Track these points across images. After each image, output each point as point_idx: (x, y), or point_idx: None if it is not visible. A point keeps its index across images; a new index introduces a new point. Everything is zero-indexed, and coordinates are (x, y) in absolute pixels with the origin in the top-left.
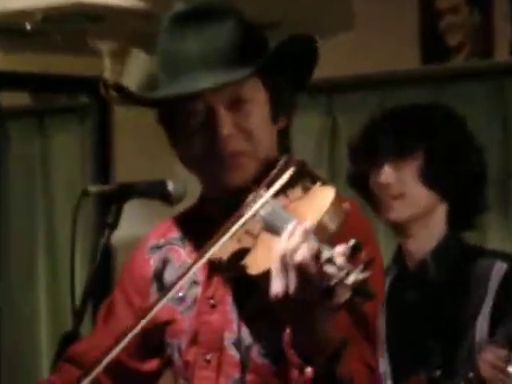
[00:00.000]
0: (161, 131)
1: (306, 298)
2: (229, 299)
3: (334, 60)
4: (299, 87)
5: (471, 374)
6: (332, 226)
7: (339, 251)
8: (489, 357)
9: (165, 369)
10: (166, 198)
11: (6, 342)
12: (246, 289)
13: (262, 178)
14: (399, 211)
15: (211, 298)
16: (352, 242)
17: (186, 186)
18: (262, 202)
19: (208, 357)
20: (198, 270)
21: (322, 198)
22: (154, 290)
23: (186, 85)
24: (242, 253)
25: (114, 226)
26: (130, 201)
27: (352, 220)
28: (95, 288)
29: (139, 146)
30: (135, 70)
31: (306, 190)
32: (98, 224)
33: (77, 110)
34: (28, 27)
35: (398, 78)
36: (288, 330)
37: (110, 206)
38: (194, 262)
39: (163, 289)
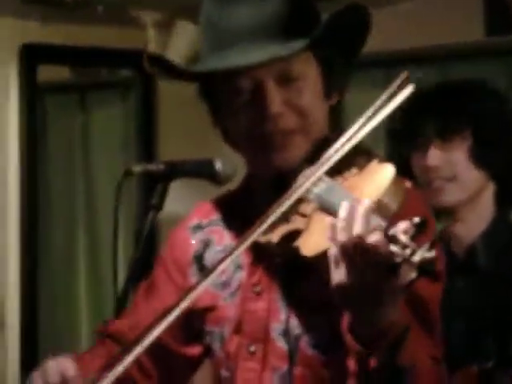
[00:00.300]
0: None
1: (370, 281)
2: (276, 286)
3: (393, 32)
4: (351, 57)
5: None
6: (393, 204)
7: (402, 228)
8: None
9: (206, 357)
10: (214, 177)
11: (46, 329)
12: (296, 274)
13: (314, 158)
14: (451, 194)
15: (257, 285)
16: (416, 219)
17: (235, 165)
18: (314, 179)
19: (252, 348)
20: (243, 254)
21: (380, 176)
22: (193, 271)
23: (233, 58)
24: (294, 235)
25: (159, 207)
26: (176, 181)
27: (412, 198)
28: (139, 274)
29: (185, 123)
30: (181, 42)
31: (361, 168)
32: (142, 205)
33: (119, 84)
34: None
35: (461, 52)
36: (347, 317)
37: (154, 186)
38: (240, 243)
39: (203, 270)
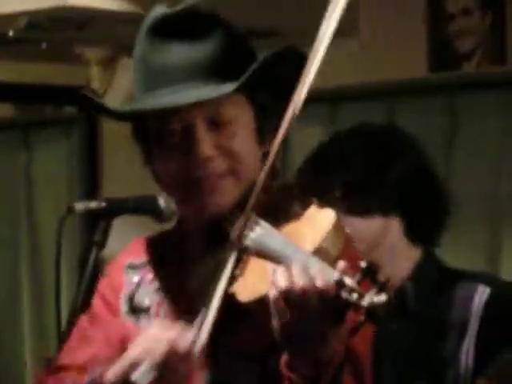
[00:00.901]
0: None
1: (314, 323)
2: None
3: (337, 68)
4: (285, 100)
5: None
6: (335, 249)
7: (346, 271)
8: None
9: None
10: (158, 214)
11: None
12: (225, 320)
13: (245, 203)
14: None
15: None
16: (363, 263)
17: None
18: (249, 228)
19: None
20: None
21: (321, 221)
22: (125, 310)
23: (162, 99)
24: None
25: (101, 244)
26: (119, 217)
27: (351, 243)
28: (82, 310)
29: (129, 159)
30: (125, 79)
31: (298, 213)
32: (85, 242)
33: (63, 122)
34: (11, 34)
35: (404, 88)
36: (286, 355)
37: (97, 223)
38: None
39: (135, 311)
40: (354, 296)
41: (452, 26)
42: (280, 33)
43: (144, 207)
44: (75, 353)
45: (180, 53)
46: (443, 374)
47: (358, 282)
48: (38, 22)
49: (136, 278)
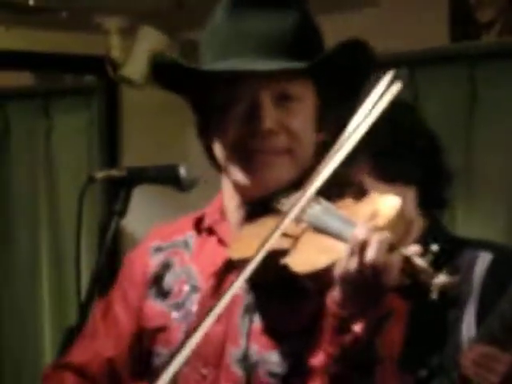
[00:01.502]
0: (172, 113)
1: (375, 286)
2: (238, 310)
3: (359, 36)
4: (348, 99)
5: (454, 373)
6: (396, 235)
7: (417, 250)
8: (471, 355)
9: None
10: (178, 183)
11: (9, 337)
12: (265, 300)
13: (299, 186)
14: None
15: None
16: (435, 246)
17: (199, 171)
18: (308, 198)
19: (204, 371)
20: (201, 276)
21: (385, 205)
22: (152, 293)
23: (241, 64)
24: (277, 253)
25: (122, 213)
26: (140, 186)
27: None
28: (102, 280)
29: (149, 129)
30: (144, 47)
31: (357, 198)
32: (106, 211)
33: (83, 91)
34: (31, 2)
35: (426, 57)
36: (336, 291)
37: (118, 192)
38: (236, 277)
39: (161, 294)
40: (425, 275)
41: None
42: None
43: (164, 176)
44: (78, 349)
45: (256, 25)
46: (446, 340)
47: (429, 263)
48: None
49: (163, 260)
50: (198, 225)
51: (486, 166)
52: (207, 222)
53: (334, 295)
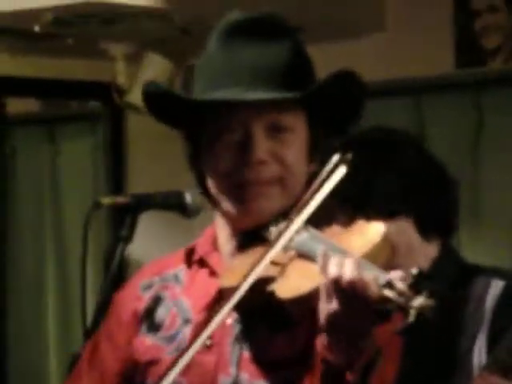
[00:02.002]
0: (178, 140)
1: (359, 320)
2: (228, 340)
3: (365, 64)
4: (340, 132)
5: None
6: (380, 262)
7: (399, 276)
8: (480, 381)
9: None
10: (184, 210)
11: (15, 360)
12: (255, 328)
13: (288, 215)
14: None
15: (208, 338)
16: (414, 270)
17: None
18: (297, 226)
19: None
20: (193, 308)
21: (370, 232)
22: (143, 329)
23: (231, 94)
24: (265, 282)
25: (128, 239)
26: (146, 213)
27: None
28: (108, 307)
29: (154, 155)
30: (150, 74)
31: (344, 225)
32: (112, 237)
33: (88, 117)
34: (37, 29)
35: (431, 84)
36: (323, 337)
37: (124, 218)
38: (224, 304)
39: (153, 327)
40: (404, 299)
41: (478, 22)
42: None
43: (170, 202)
44: None
45: (249, 56)
46: (456, 369)
47: (408, 286)
48: (64, 17)
49: (153, 295)
50: (189, 257)
51: (492, 192)
52: (199, 254)
53: (323, 337)
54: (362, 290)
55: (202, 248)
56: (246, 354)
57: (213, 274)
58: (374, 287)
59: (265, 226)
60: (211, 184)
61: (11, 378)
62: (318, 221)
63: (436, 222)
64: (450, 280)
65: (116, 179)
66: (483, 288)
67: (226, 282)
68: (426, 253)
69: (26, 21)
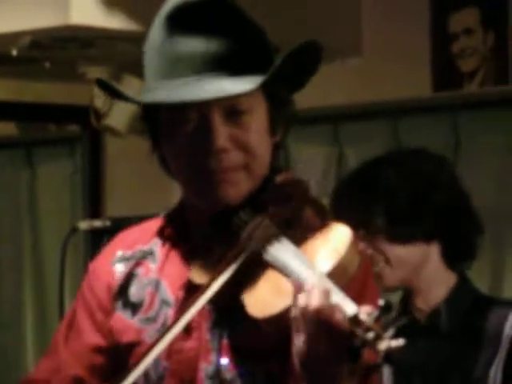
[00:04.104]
0: (155, 163)
1: (328, 356)
2: (207, 325)
3: (341, 87)
4: (299, 89)
5: None
6: (350, 269)
7: (365, 310)
8: None
9: None
10: None
11: None
12: (234, 317)
13: (255, 198)
14: (389, 278)
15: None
16: (381, 302)
17: None
18: (268, 237)
19: None
20: (170, 288)
21: (337, 239)
22: (119, 305)
23: (182, 90)
24: (233, 286)
25: None
26: None
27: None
28: None
29: (133, 177)
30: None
31: (316, 229)
32: (90, 260)
33: (66, 140)
34: (14, 53)
35: (408, 107)
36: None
37: (102, 242)
38: (193, 301)
39: (129, 306)
40: (370, 335)
41: (455, 45)
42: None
43: None
44: (41, 365)
45: (198, 43)
46: None
47: (375, 320)
48: (42, 40)
49: (127, 271)
50: (162, 233)
51: None
52: (171, 230)
53: (296, 346)
54: (328, 321)
55: (174, 223)
56: (226, 340)
57: (186, 258)
58: (341, 320)
59: (233, 209)
60: (174, 171)
61: None
62: (293, 231)
63: (462, 249)
64: (464, 310)
65: (94, 202)
66: (500, 319)
67: (197, 278)
68: (447, 281)
69: (4, 44)
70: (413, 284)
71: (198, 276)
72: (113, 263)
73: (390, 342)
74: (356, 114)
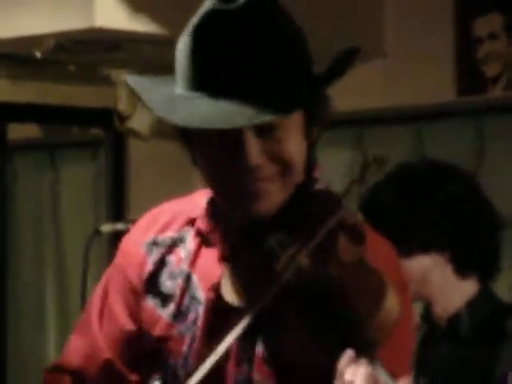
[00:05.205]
0: (179, 165)
1: None
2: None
3: (365, 91)
4: (335, 80)
5: None
6: (394, 311)
7: None
8: None
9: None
10: None
11: None
12: (272, 326)
13: (287, 207)
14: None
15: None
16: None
17: None
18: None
19: None
20: (201, 284)
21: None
22: (149, 293)
23: (215, 116)
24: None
25: None
26: None
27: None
28: None
29: (156, 181)
30: None
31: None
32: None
33: (89, 143)
34: (38, 55)
35: (432, 112)
36: None
37: None
38: (231, 327)
39: (159, 297)
40: None
41: (479, 50)
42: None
43: None
44: (74, 348)
45: (230, 59)
46: None
47: None
48: (66, 43)
49: (159, 257)
50: (195, 223)
51: None
52: (201, 227)
53: None
54: None
55: (203, 221)
56: (259, 350)
57: (219, 259)
58: None
59: (266, 223)
60: (205, 179)
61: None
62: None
63: (475, 261)
64: (484, 319)
65: (117, 206)
66: None
67: (229, 297)
68: (461, 291)
69: (28, 47)
70: (425, 295)
71: (230, 295)
72: (144, 247)
73: None
74: (379, 118)
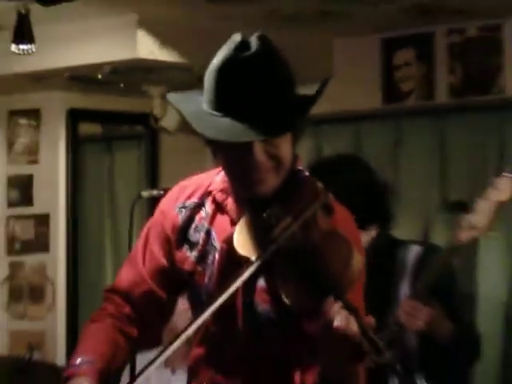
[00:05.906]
0: (195, 153)
1: (344, 355)
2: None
3: (319, 100)
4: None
5: (391, 320)
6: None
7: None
8: (403, 306)
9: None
10: None
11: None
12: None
13: (280, 189)
14: None
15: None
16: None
17: None
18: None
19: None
20: (217, 236)
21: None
22: (181, 241)
23: (234, 131)
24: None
25: None
26: None
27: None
28: None
29: (181, 164)
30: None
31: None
32: None
33: (134, 137)
34: (99, 76)
35: (365, 114)
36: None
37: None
38: (240, 273)
39: (188, 243)
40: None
41: (398, 73)
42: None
43: None
44: (122, 274)
45: (245, 91)
46: (388, 305)
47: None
48: (118, 68)
49: (188, 215)
50: (212, 193)
51: (408, 194)
52: (216, 197)
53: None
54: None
55: (218, 192)
56: (259, 284)
57: (231, 222)
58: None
59: (266, 199)
60: (224, 172)
61: None
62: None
63: (370, 216)
64: (381, 250)
65: (153, 179)
66: (407, 251)
67: (241, 249)
68: (364, 238)
69: (92, 71)
70: None
71: (241, 247)
72: (176, 209)
73: (386, 358)
74: (327, 119)
